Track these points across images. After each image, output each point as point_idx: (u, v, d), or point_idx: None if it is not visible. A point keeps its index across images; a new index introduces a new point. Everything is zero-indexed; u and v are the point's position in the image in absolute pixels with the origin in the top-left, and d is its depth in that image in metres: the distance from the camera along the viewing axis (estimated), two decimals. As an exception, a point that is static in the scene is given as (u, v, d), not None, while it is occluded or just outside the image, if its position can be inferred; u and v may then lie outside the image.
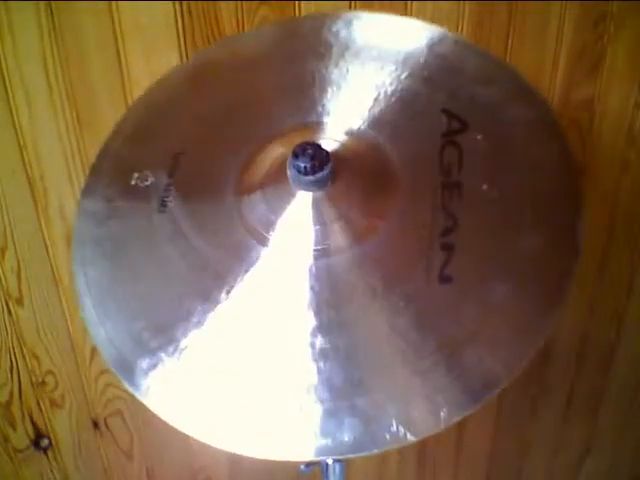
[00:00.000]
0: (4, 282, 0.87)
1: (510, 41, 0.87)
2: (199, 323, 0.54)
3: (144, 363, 0.53)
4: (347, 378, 0.49)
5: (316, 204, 0.56)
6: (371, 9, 0.82)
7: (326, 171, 0.55)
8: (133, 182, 0.62)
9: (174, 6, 0.76)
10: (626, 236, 1.06)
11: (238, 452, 0.49)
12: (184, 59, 0.79)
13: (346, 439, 0.47)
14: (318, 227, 0.55)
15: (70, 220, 0.85)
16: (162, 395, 0.52)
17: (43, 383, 0.96)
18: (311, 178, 0.55)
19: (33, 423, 0.99)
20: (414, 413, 0.48)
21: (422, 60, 0.65)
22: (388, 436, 0.47)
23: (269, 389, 0.50)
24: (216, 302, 0.54)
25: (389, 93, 0.63)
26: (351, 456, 0.47)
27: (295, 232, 0.56)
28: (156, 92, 0.70)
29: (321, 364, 0.50)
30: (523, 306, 0.52)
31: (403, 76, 0.63)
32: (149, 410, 0.52)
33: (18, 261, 0.86)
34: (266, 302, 0.54)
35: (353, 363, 0.50)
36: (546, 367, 1.17)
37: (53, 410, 0.99)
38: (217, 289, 0.55)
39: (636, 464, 1.33)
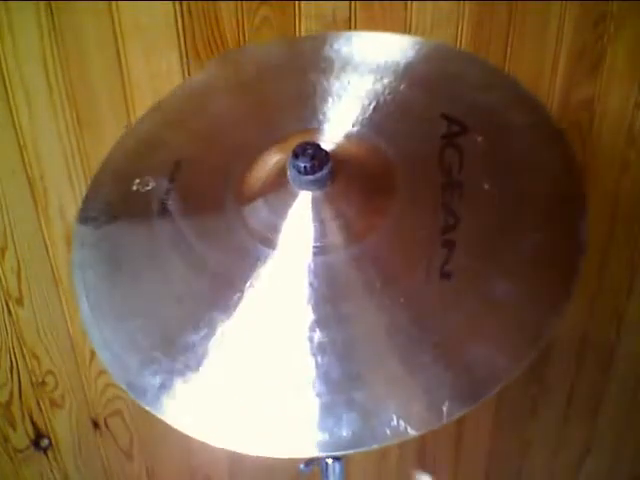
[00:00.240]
0: (4, 282, 0.87)
1: (510, 41, 0.87)
2: (198, 323, 0.54)
3: (141, 365, 0.53)
4: (345, 372, 0.50)
5: (316, 203, 0.56)
6: (371, 9, 0.82)
7: (326, 171, 0.56)
8: (134, 187, 0.62)
9: (174, 6, 0.76)
10: (626, 236, 1.06)
11: (237, 450, 0.49)
12: (184, 59, 0.79)
13: (345, 434, 0.47)
14: (317, 225, 0.56)
15: (70, 220, 0.85)
16: (161, 396, 0.52)
17: (43, 383, 0.96)
18: (311, 178, 0.56)
19: (33, 423, 0.99)
20: (414, 407, 0.48)
21: (421, 70, 0.66)
22: (388, 431, 0.47)
23: (267, 385, 0.51)
24: (217, 302, 0.54)
25: (389, 101, 0.63)
26: (351, 452, 0.48)
27: (295, 231, 0.56)
28: (158, 109, 0.71)
29: (319, 358, 0.50)
30: (525, 304, 0.52)
31: (402, 86, 0.64)
32: (149, 410, 0.52)
33: (18, 261, 0.87)
34: (266, 299, 0.54)
35: (351, 357, 0.51)
36: (546, 367, 1.17)
37: (53, 410, 0.99)
38: (218, 290, 0.55)
39: (636, 464, 1.33)
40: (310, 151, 0.56)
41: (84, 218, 0.62)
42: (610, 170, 1.01)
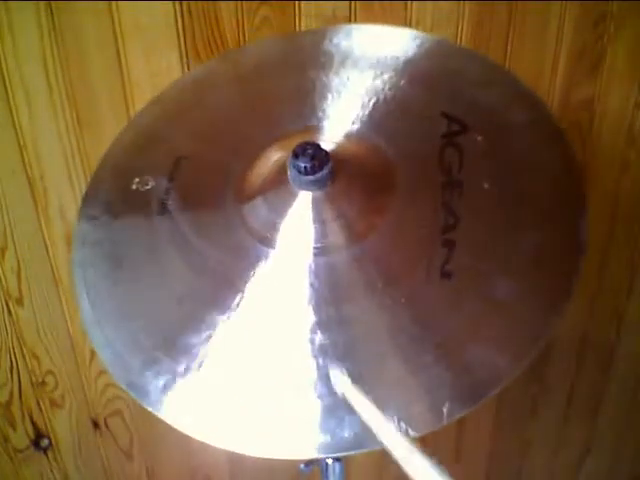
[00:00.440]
0: (4, 282, 0.87)
1: (510, 41, 0.87)
2: (198, 323, 0.54)
3: (142, 365, 0.53)
4: (346, 374, 0.50)
5: (316, 203, 0.56)
6: (371, 9, 0.82)
7: (326, 171, 0.56)
8: (134, 187, 0.62)
9: (174, 6, 0.76)
10: (626, 236, 1.06)
11: (238, 451, 0.49)
12: (184, 59, 0.79)
13: (346, 435, 0.47)
14: (318, 225, 0.56)
15: (70, 220, 0.85)
16: (161, 396, 0.52)
17: (43, 383, 0.96)
18: (311, 178, 0.56)
19: (33, 423, 0.99)
20: (415, 409, 0.48)
21: (421, 66, 0.65)
22: (389, 432, 0.47)
23: (268, 386, 0.51)
24: (217, 302, 0.54)
25: (389, 98, 0.63)
26: (352, 453, 0.48)
27: (295, 231, 0.56)
28: (157, 102, 0.71)
29: (320, 360, 0.50)
30: (525, 304, 0.52)
31: (402, 82, 0.64)
32: (149, 410, 0.52)
33: (18, 261, 0.87)
34: (267, 300, 0.54)
35: (352, 359, 0.50)
36: (546, 367, 1.17)
37: (53, 410, 0.99)
38: (218, 290, 0.55)
39: (636, 464, 1.33)
40: (310, 151, 0.55)
41: (85, 216, 0.62)
42: (610, 170, 1.01)
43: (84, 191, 0.65)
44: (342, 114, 0.63)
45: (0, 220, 0.83)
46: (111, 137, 0.68)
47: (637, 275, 1.10)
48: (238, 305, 0.54)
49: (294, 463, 0.70)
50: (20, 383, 0.95)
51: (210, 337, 0.53)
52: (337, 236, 0.56)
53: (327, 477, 0.71)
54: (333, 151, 0.57)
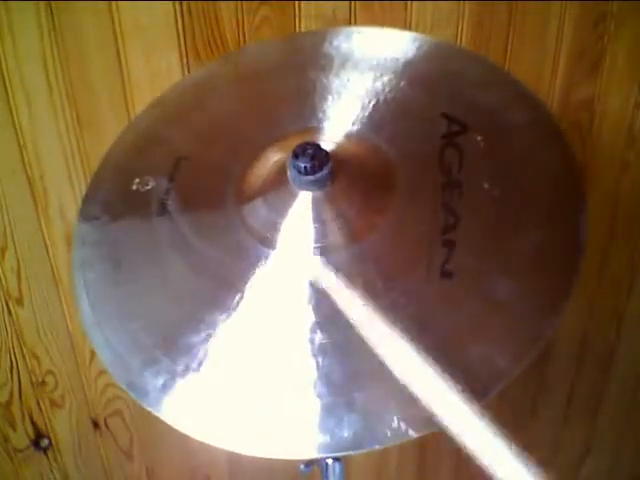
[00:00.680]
0: (4, 282, 0.87)
1: (510, 41, 0.88)
2: (198, 323, 0.54)
3: (142, 365, 0.53)
4: (346, 373, 0.50)
5: (316, 203, 0.56)
6: (371, 9, 0.82)
7: (326, 171, 0.56)
8: (134, 187, 0.62)
9: (174, 6, 0.76)
10: (626, 236, 1.07)
11: (237, 451, 0.49)
12: (184, 59, 0.79)
13: (346, 435, 0.47)
14: (318, 225, 0.56)
15: (70, 220, 0.85)
16: (160, 396, 0.52)
17: (43, 383, 0.96)
18: (311, 178, 0.56)
19: (33, 423, 0.99)
20: (415, 409, 0.48)
21: (420, 68, 0.66)
22: (389, 432, 0.47)
23: (268, 386, 0.51)
24: (217, 302, 0.54)
25: (389, 99, 0.63)
26: (352, 453, 0.48)
27: (296, 231, 0.56)
28: (158, 104, 0.71)
29: (320, 360, 0.50)
30: (525, 304, 0.52)
31: (402, 84, 0.64)
32: (149, 410, 0.52)
33: (18, 261, 0.87)
34: (267, 299, 0.54)
35: (352, 358, 0.50)
36: (546, 367, 1.17)
37: (53, 410, 0.99)
38: (219, 290, 0.55)
39: (636, 464, 1.33)
40: (310, 151, 0.55)
41: (85, 217, 0.62)
42: (610, 170, 1.01)
43: (84, 191, 0.65)
44: (342, 115, 0.63)
45: (0, 220, 0.83)
46: (111, 137, 0.68)
47: (637, 275, 1.10)
48: (238, 305, 0.54)
49: (294, 463, 0.70)
50: (20, 383, 0.95)
51: (210, 337, 0.53)
52: (337, 236, 0.56)
53: (327, 477, 0.71)
54: (333, 151, 0.57)
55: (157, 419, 0.51)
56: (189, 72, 0.80)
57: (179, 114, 0.69)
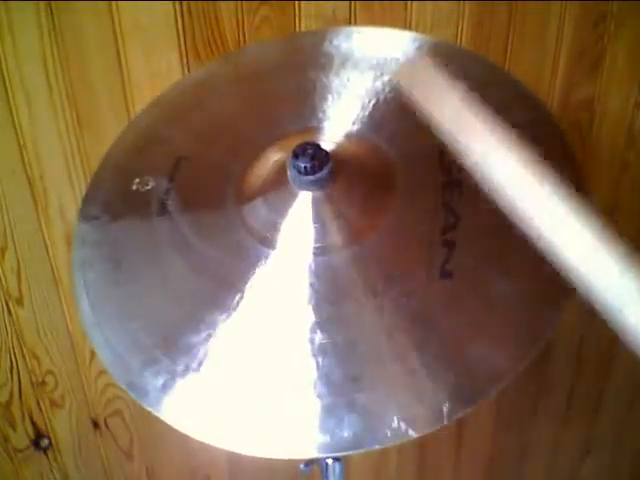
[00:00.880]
0: (4, 282, 0.87)
1: (510, 41, 0.87)
2: (198, 323, 0.54)
3: (142, 365, 0.53)
4: (346, 374, 0.50)
5: (316, 203, 0.56)
6: (371, 9, 0.82)
7: (326, 171, 0.56)
8: (134, 187, 0.62)
9: (174, 6, 0.76)
10: (626, 236, 1.06)
11: (237, 451, 0.49)
12: (184, 59, 0.79)
13: (346, 435, 0.47)
14: (318, 225, 0.56)
15: (70, 220, 0.85)
16: (160, 396, 0.52)
17: (43, 383, 0.96)
18: (311, 178, 0.56)
19: (33, 423, 0.99)
20: (415, 409, 0.48)
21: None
22: (389, 432, 0.47)
23: (268, 386, 0.51)
24: (217, 302, 0.54)
25: (389, 99, 0.63)
26: (352, 453, 0.48)
27: (295, 231, 0.56)
28: (158, 103, 0.71)
29: (320, 360, 0.50)
30: (525, 304, 0.52)
31: (403, 83, 0.64)
32: (149, 410, 0.52)
33: (18, 261, 0.87)
34: (267, 300, 0.54)
35: (352, 359, 0.50)
36: (546, 367, 1.17)
37: (53, 410, 0.99)
38: (219, 290, 0.55)
39: (636, 464, 1.33)
40: (310, 151, 0.55)
41: (85, 217, 0.62)
42: (610, 170, 1.01)
43: (84, 191, 0.65)
44: (342, 115, 0.63)
45: (0, 220, 0.83)
46: (111, 137, 0.68)
47: (637, 275, 1.10)
48: (238, 305, 0.54)
49: (294, 463, 0.70)
50: (20, 383, 0.95)
51: (210, 337, 0.53)
52: (337, 236, 0.56)
53: (327, 477, 0.71)
54: (333, 151, 0.57)
55: (157, 419, 0.51)
56: (189, 72, 0.80)
57: (179, 114, 0.69)
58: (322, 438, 0.48)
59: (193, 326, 0.54)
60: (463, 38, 0.86)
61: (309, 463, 0.72)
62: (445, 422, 0.47)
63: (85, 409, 1.01)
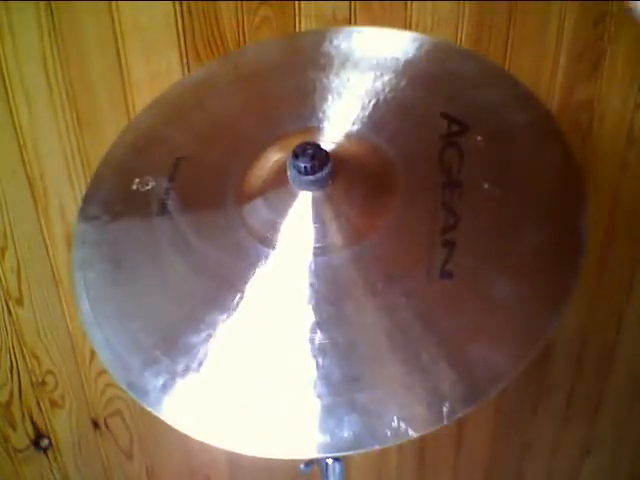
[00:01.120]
0: (4, 282, 0.87)
1: (510, 41, 0.87)
2: (198, 323, 0.54)
3: (142, 365, 0.53)
4: (346, 374, 0.50)
5: (316, 203, 0.56)
6: (371, 9, 0.82)
7: (326, 171, 0.56)
8: (134, 187, 0.62)
9: (174, 6, 0.76)
10: (626, 236, 1.06)
11: (237, 451, 0.49)
12: (184, 59, 0.79)
13: (346, 435, 0.47)
14: (318, 225, 0.56)
15: (70, 220, 0.85)
16: (160, 396, 0.52)
17: (43, 383, 0.96)
18: (311, 178, 0.56)
19: (33, 423, 0.99)
20: (415, 409, 0.48)
21: (421, 68, 0.66)
22: (389, 432, 0.47)
23: (268, 386, 0.51)
24: (217, 302, 0.54)
25: (389, 99, 0.63)
26: (352, 453, 0.48)
27: (295, 231, 0.56)
28: (158, 103, 0.71)
29: (320, 360, 0.50)
30: (525, 304, 0.52)
31: (402, 83, 0.64)
32: (149, 410, 0.52)
33: (18, 261, 0.87)
34: (267, 300, 0.54)
35: (352, 359, 0.50)
36: (546, 367, 1.17)
37: (53, 410, 0.99)
38: (219, 290, 0.55)
39: (636, 464, 1.33)
40: (310, 151, 0.56)
41: (85, 216, 0.62)
42: (610, 170, 1.01)
43: (84, 191, 0.65)
44: (342, 115, 0.63)
45: (0, 220, 0.83)
46: (111, 137, 0.68)
47: (637, 275, 1.10)
48: (238, 305, 0.54)
49: (294, 463, 0.70)
50: (20, 383, 0.95)
51: (210, 337, 0.53)
52: (337, 236, 0.56)
53: (327, 477, 0.71)
54: (333, 151, 0.57)
55: (157, 419, 0.51)
56: (189, 72, 0.80)
57: (179, 114, 0.69)
58: (322, 438, 0.48)
59: (193, 326, 0.54)
60: (463, 38, 0.86)
61: (309, 463, 0.72)
62: (445, 422, 0.47)
63: (85, 409, 1.01)
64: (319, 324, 0.52)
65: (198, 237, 0.59)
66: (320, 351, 0.51)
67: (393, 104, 0.63)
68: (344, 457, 0.70)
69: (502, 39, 0.87)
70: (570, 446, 1.29)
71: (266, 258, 0.56)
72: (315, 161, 0.55)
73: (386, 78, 0.65)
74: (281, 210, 0.57)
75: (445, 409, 0.47)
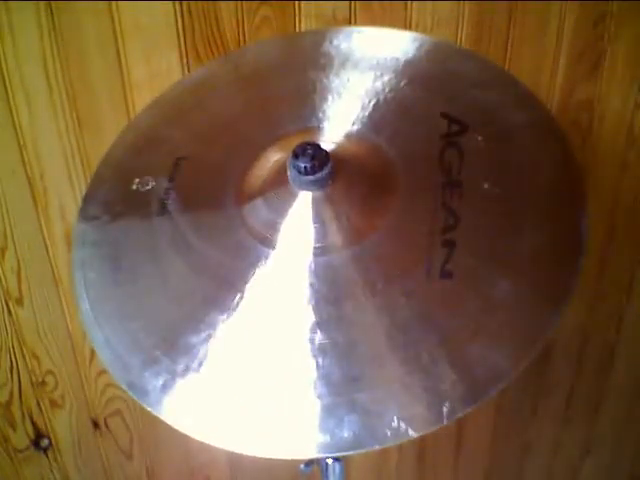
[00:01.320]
0: (4, 282, 0.87)
1: (510, 41, 0.88)
2: (198, 323, 0.54)
3: (142, 365, 0.53)
4: (346, 374, 0.50)
5: (316, 203, 0.56)
6: (371, 9, 0.82)
7: (326, 171, 0.56)
8: (134, 187, 0.62)
9: (174, 6, 0.76)
10: (626, 236, 1.06)
11: (237, 451, 0.49)
12: (184, 59, 0.79)
13: (346, 435, 0.47)
14: (318, 226, 0.56)
15: (70, 220, 0.85)
16: (161, 396, 0.52)
17: (43, 383, 0.96)
18: (311, 178, 0.56)
19: (33, 423, 0.99)
20: (415, 409, 0.48)
21: (421, 68, 0.66)
22: (389, 432, 0.47)
23: (268, 386, 0.51)
24: (217, 302, 0.54)
25: (389, 99, 0.63)
26: (352, 453, 0.48)
27: (295, 231, 0.56)
28: (158, 103, 0.71)
29: (320, 360, 0.50)
30: (525, 304, 0.52)
31: (402, 83, 0.64)
32: (149, 410, 0.52)
33: (18, 261, 0.87)
34: (266, 300, 0.54)
35: (352, 359, 0.50)
36: (546, 367, 1.17)
37: (53, 410, 0.99)
38: (219, 290, 0.55)
39: (636, 464, 1.33)
40: (310, 151, 0.56)
41: (85, 216, 0.62)
42: (610, 170, 1.01)
43: (84, 191, 0.65)
44: (342, 115, 0.63)
45: (0, 220, 0.83)
46: (111, 137, 0.68)
47: (637, 275, 1.10)
48: (238, 305, 0.54)
49: (294, 463, 0.70)
50: (20, 383, 0.95)
51: (210, 337, 0.53)
52: (337, 236, 0.56)
53: (327, 477, 0.71)
54: (333, 151, 0.57)
55: (157, 419, 0.51)
56: (189, 72, 0.80)
57: (179, 114, 0.69)
58: (322, 438, 0.48)
59: (193, 326, 0.54)
60: (463, 38, 0.86)
61: (309, 463, 0.72)
62: (445, 422, 0.47)
63: (85, 409, 1.01)
64: (319, 324, 0.52)
65: (198, 237, 0.59)
66: (320, 351, 0.51)
67: (393, 104, 0.63)
68: (344, 457, 0.70)
69: (502, 39, 0.87)
70: (570, 446, 1.29)
71: (266, 258, 0.56)
72: (315, 161, 0.55)
73: (386, 78, 0.65)
74: (281, 210, 0.57)
75: (445, 409, 0.47)
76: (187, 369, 0.52)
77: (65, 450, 1.04)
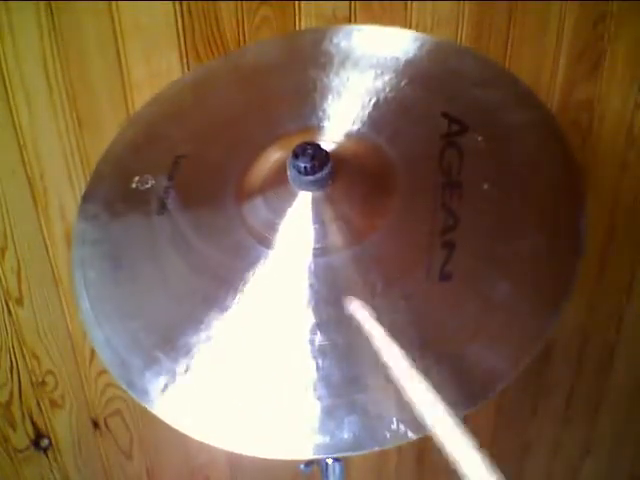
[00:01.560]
0: (4, 282, 0.87)
1: (510, 41, 0.88)
2: (198, 323, 0.54)
3: (142, 364, 0.53)
4: (346, 375, 0.50)
5: (316, 204, 0.56)
6: (371, 9, 0.82)
7: (326, 171, 0.56)
8: (133, 185, 0.62)
9: (174, 6, 0.76)
10: (626, 236, 1.06)
11: (237, 451, 0.49)
12: (184, 59, 0.79)
13: (346, 436, 0.47)
14: (317, 226, 0.56)
15: (70, 220, 0.85)
16: (160, 395, 0.52)
17: (43, 383, 0.96)
18: (311, 178, 0.56)
19: (33, 423, 0.99)
20: (415, 410, 0.48)
21: (421, 67, 0.66)
22: (388, 434, 0.47)
23: (268, 387, 0.51)
24: (217, 302, 0.54)
25: (389, 99, 0.63)
26: (351, 454, 0.48)
27: (295, 231, 0.56)
28: (158, 101, 0.71)
29: (320, 361, 0.50)
30: (525, 305, 0.52)
31: (402, 83, 0.64)
32: (149, 410, 0.52)
33: (18, 261, 0.87)
34: (266, 300, 0.54)
35: (352, 360, 0.50)
36: (546, 367, 1.17)
37: (53, 410, 0.99)
38: (219, 290, 0.55)
39: (636, 464, 1.33)
40: (310, 151, 0.55)
41: (85, 215, 0.62)
42: (610, 170, 1.01)
43: (84, 191, 0.65)
44: (342, 114, 0.63)
45: (0, 220, 0.83)
46: (111, 137, 0.68)
47: (637, 275, 1.10)
48: (237, 305, 0.54)
49: (294, 463, 0.70)
50: (20, 383, 0.95)
51: (210, 337, 0.53)
52: (337, 237, 0.55)
53: (327, 477, 0.71)
54: (333, 151, 0.57)
55: (157, 419, 0.51)
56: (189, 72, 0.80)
57: (179, 112, 0.69)
58: (322, 439, 0.48)
59: (193, 326, 0.54)
60: (463, 38, 0.86)
61: (309, 463, 0.72)
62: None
63: (85, 409, 1.01)
64: (319, 325, 0.52)
65: (198, 236, 0.59)
66: (320, 352, 0.51)
67: (393, 103, 0.63)
68: (344, 457, 0.70)
69: (502, 39, 0.87)
70: (570, 446, 1.29)
71: (266, 258, 0.56)
72: (315, 161, 0.55)
73: (386, 77, 0.65)
74: (281, 210, 0.57)
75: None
76: (187, 369, 0.52)
77: (65, 450, 1.04)
